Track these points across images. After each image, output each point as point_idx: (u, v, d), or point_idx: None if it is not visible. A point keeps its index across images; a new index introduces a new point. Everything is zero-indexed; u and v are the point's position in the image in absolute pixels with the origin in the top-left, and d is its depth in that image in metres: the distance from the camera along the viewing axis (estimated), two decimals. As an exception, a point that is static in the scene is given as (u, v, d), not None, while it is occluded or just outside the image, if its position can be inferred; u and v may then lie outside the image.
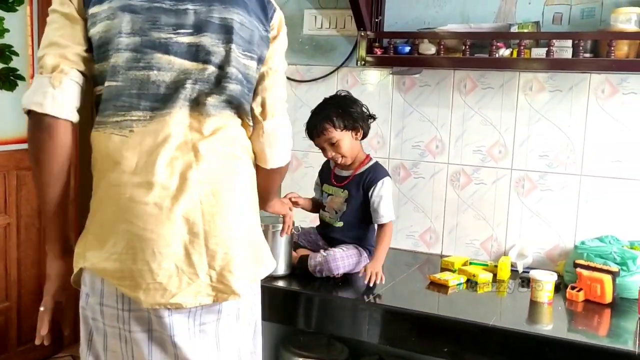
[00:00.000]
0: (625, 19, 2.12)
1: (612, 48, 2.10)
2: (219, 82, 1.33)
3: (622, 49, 2.13)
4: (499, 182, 2.48)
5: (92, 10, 1.29)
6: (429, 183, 2.59)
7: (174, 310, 1.27)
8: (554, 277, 2.04)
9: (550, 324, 1.94)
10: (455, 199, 2.55)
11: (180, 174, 1.27)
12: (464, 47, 2.30)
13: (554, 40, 2.18)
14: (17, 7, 2.76)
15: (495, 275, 2.24)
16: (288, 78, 2.79)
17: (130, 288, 1.25)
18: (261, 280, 2.15)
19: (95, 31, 1.29)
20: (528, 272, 2.15)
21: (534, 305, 2.02)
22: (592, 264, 2.06)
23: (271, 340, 2.51)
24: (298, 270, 2.15)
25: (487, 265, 2.34)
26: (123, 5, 1.29)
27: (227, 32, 1.34)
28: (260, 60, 1.42)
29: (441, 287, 2.15)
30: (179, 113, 1.30)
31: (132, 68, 1.28)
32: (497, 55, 2.28)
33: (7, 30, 2.74)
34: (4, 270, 2.84)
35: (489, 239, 2.51)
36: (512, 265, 2.30)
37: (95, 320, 1.32)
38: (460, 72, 2.50)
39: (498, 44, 2.28)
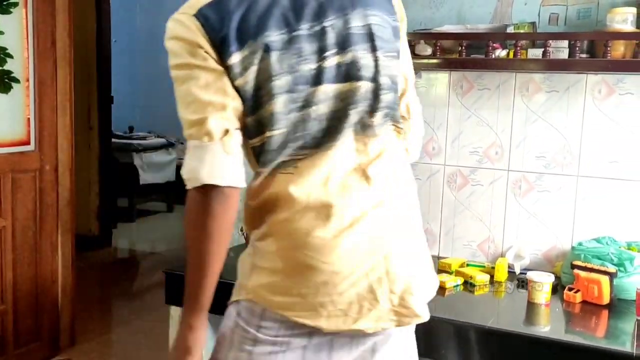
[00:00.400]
0: (622, 19, 2.11)
1: (609, 48, 2.09)
2: (376, 97, 1.26)
3: (619, 49, 2.13)
4: (496, 183, 2.47)
5: (234, 59, 1.18)
6: (425, 185, 2.59)
7: (338, 335, 1.24)
8: (551, 278, 2.04)
9: (548, 326, 1.93)
10: (452, 201, 2.55)
11: (355, 201, 1.22)
12: (460, 48, 2.29)
13: (550, 41, 2.17)
14: (12, 10, 2.75)
15: (492, 276, 2.24)
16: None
17: (310, 318, 1.21)
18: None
19: (243, 81, 1.18)
20: (525, 274, 2.14)
21: (531, 306, 2.01)
22: (589, 265, 2.06)
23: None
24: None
25: (484, 266, 2.34)
26: (264, 44, 1.18)
27: (369, 39, 1.25)
28: (399, 55, 1.33)
29: (438, 289, 2.13)
30: (345, 140, 1.24)
31: (292, 110, 1.20)
32: (493, 56, 2.27)
33: (2, 33, 2.73)
34: (0, 273, 2.83)
35: (486, 241, 2.51)
36: (509, 267, 2.30)
37: (243, 343, 1.27)
38: (456, 73, 2.49)
39: (494, 44, 2.27)
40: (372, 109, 1.26)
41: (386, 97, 1.28)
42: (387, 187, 1.27)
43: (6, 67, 2.76)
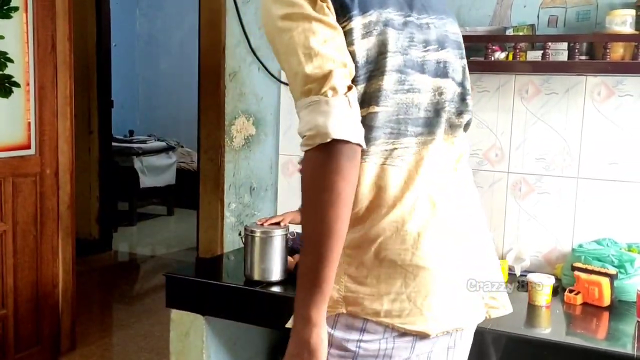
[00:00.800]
0: (620, 21, 2.12)
1: (608, 50, 2.10)
2: (462, 100, 1.30)
3: (618, 51, 2.13)
4: (496, 186, 2.47)
5: (354, 23, 1.13)
6: (425, 187, 2.58)
7: (439, 337, 1.21)
8: (551, 280, 2.04)
9: (549, 328, 1.93)
10: (453, 203, 2.54)
11: (452, 200, 1.24)
12: (459, 51, 2.30)
13: (550, 43, 2.18)
14: (12, 14, 2.76)
15: (492, 278, 2.24)
16: (280, 81, 2.78)
17: (417, 324, 1.17)
18: (257, 286, 2.15)
19: (359, 47, 1.14)
20: (526, 276, 2.14)
21: (531, 308, 2.01)
22: (589, 267, 2.06)
23: (266, 346, 2.50)
24: (294, 276, 2.13)
25: (484, 268, 2.33)
26: (385, 19, 1.16)
27: (459, 47, 1.31)
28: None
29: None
30: (441, 135, 1.25)
31: (398, 91, 1.18)
32: (492, 59, 2.27)
33: (2, 37, 2.74)
34: (0, 278, 2.83)
35: (487, 243, 2.50)
36: (509, 269, 2.30)
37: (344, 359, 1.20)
38: (456, 76, 2.49)
39: (493, 47, 2.28)
40: (459, 111, 1.30)
41: (470, 103, 1.33)
42: (469, 185, 1.33)
43: (6, 71, 2.77)
